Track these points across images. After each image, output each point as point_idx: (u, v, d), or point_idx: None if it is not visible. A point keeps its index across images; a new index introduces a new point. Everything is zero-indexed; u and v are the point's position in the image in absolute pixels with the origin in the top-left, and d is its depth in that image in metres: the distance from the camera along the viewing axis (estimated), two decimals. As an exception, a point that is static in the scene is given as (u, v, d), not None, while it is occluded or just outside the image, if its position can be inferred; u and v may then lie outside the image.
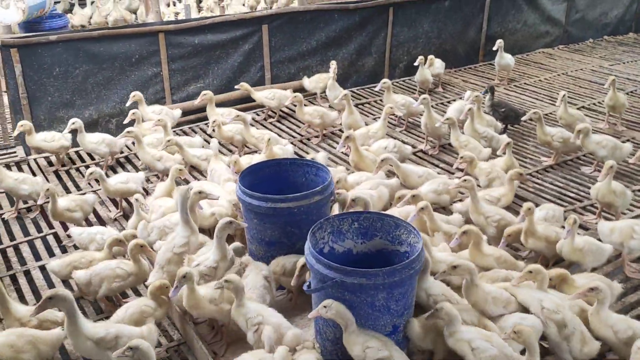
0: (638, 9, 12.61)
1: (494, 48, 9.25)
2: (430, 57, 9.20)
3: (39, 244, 5.61)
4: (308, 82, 8.57)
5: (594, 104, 8.75)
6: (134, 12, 13.27)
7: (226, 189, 5.55)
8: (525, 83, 9.77)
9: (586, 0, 11.78)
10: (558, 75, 10.17)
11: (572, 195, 6.20)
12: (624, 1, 12.33)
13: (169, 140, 6.24)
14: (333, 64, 8.08)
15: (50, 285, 4.97)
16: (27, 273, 5.18)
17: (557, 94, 9.09)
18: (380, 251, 4.24)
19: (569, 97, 8.79)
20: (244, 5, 13.49)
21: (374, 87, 9.55)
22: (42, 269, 5.19)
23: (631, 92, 9.17)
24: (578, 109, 8.41)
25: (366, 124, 7.32)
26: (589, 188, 5.85)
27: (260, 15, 8.53)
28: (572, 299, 3.97)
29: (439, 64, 9.32)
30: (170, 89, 8.15)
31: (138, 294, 4.90)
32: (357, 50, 9.49)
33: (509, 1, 10.75)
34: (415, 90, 9.31)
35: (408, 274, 3.64)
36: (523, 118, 7.05)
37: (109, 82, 7.72)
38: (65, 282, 4.93)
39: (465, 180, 5.22)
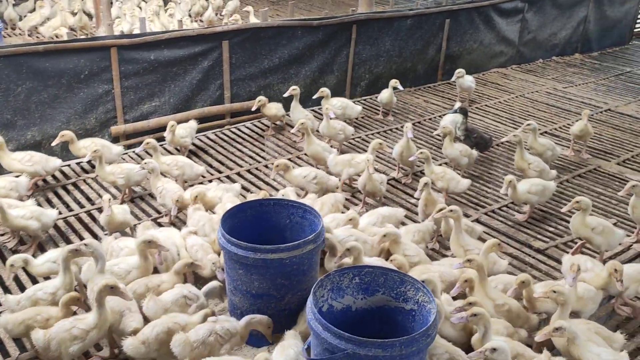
0: (584, 31, 12.96)
1: (452, 79, 9.26)
2: (460, 70, 9.13)
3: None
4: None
5: (555, 129, 8.80)
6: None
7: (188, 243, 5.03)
8: (485, 105, 9.75)
9: (538, 21, 11.96)
10: (516, 97, 10.21)
11: (551, 230, 6.11)
12: (572, 23, 12.63)
13: None
14: (295, 89, 7.76)
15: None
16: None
17: (518, 117, 9.22)
18: (382, 308, 3.91)
19: (527, 120, 8.86)
20: (189, 15, 12.86)
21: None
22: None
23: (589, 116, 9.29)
24: (541, 134, 8.44)
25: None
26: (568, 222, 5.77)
27: (220, 31, 8.02)
28: (539, 339, 3.90)
29: (470, 79, 9.30)
30: (122, 107, 7.51)
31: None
32: (319, 68, 9.15)
33: (467, 21, 10.73)
34: (378, 110, 9.08)
35: (426, 343, 3.32)
36: (502, 140, 6.96)
37: (54, 100, 7.00)
38: (18, 339, 4.31)
39: (452, 210, 4.99)
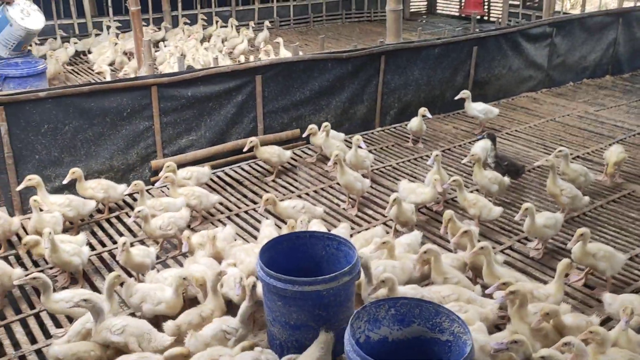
0: (614, 53, 12.92)
1: (456, 97, 9.26)
2: (465, 91, 9.18)
3: (32, 322, 5.20)
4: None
5: (587, 153, 8.80)
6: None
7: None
8: (516, 130, 9.80)
9: (567, 45, 11.99)
10: (547, 121, 10.24)
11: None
12: (602, 45, 12.61)
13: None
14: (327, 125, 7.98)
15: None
16: (22, 359, 4.77)
17: (550, 141, 9.24)
18: (418, 338, 4.02)
19: (561, 145, 8.88)
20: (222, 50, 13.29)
21: (369, 133, 9.45)
22: (39, 352, 4.81)
23: (621, 140, 9.28)
24: (573, 158, 8.45)
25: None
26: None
27: (254, 66, 8.33)
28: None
29: (479, 109, 9.32)
30: (161, 142, 7.83)
31: None
32: (349, 98, 9.37)
33: (494, 47, 10.85)
34: (408, 137, 9.23)
35: (462, 373, 3.42)
36: (535, 164, 6.93)
37: (99, 138, 7.35)
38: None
39: (482, 248, 5.08)
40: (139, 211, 5.79)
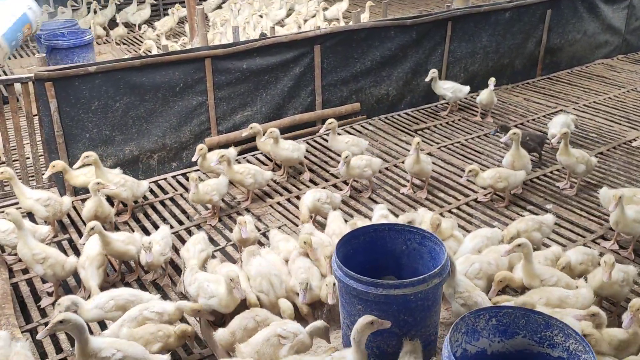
0: (699, 14, 11.75)
1: (427, 79, 8.18)
2: (434, 70, 8.17)
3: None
4: None
5: (678, 127, 7.96)
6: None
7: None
8: (594, 102, 8.97)
9: (647, 6, 10.95)
10: (627, 91, 9.37)
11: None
12: (686, 6, 11.48)
13: None
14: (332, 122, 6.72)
15: None
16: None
17: (633, 114, 8.41)
18: (522, 352, 3.49)
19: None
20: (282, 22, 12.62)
21: (432, 107, 8.79)
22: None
23: None
24: (662, 133, 7.67)
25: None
26: None
27: (312, 36, 7.73)
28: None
29: (451, 88, 8.36)
30: (216, 118, 7.38)
31: None
32: (412, 69, 8.70)
33: (569, 10, 9.93)
34: (476, 110, 8.54)
35: (588, 404, 2.89)
36: (634, 144, 6.03)
37: (150, 115, 6.95)
38: None
39: (520, 245, 4.43)
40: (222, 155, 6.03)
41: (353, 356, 3.55)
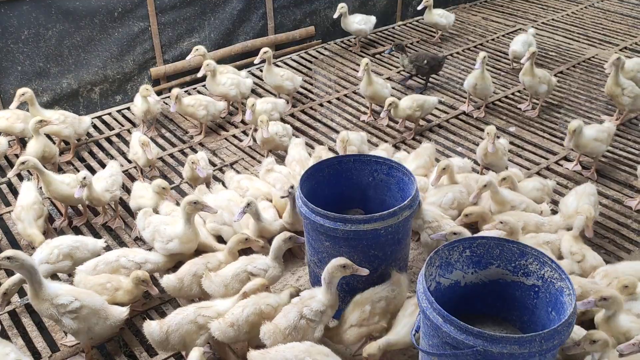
0: None
1: (419, 7, 7.77)
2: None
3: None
4: None
5: (635, 43, 7.88)
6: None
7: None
8: (552, 19, 8.78)
9: None
10: (585, 7, 9.20)
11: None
12: None
13: None
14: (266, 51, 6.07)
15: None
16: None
17: (592, 31, 8.28)
18: (495, 282, 3.41)
19: (604, 35, 8.01)
20: None
21: (389, 28, 8.42)
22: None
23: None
24: (620, 50, 7.59)
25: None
26: None
27: (261, -49, 7.17)
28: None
29: (441, 14, 7.95)
30: (160, 46, 6.85)
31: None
32: (368, -13, 8.26)
33: None
34: (434, 33, 8.23)
35: (567, 333, 2.83)
36: (607, 70, 5.85)
37: (88, 44, 6.37)
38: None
39: (486, 185, 4.29)
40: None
41: (323, 296, 3.39)
